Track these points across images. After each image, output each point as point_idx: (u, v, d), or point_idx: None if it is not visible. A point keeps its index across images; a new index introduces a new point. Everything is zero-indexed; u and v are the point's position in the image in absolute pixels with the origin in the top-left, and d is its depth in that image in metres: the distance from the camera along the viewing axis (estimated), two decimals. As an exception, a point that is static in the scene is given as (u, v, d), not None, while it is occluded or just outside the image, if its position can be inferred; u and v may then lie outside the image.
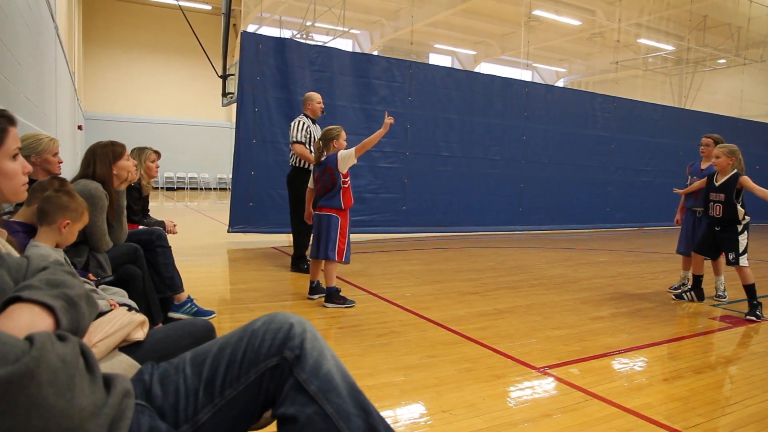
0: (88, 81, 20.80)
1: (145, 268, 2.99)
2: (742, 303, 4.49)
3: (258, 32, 9.13)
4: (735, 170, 4.35)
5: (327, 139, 4.15)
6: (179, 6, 11.37)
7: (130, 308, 1.72)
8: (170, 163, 20.92)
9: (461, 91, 8.94)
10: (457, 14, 18.58)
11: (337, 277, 4.42)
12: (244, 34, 7.37)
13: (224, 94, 14.13)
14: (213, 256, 6.37)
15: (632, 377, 2.87)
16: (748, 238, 4.37)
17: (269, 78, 7.17)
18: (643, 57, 20.26)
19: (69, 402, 0.68)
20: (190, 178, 22.97)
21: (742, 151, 4.42)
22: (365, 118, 7.90)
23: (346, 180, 4.10)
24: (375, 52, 20.57)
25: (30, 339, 0.69)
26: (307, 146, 5.17)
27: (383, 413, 1.17)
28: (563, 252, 7.68)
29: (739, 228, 4.33)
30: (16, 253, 1.28)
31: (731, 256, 4.32)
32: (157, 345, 1.46)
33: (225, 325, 3.47)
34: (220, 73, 13.12)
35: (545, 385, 2.70)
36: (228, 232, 7.18)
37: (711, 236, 4.50)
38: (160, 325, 2.61)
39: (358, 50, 20.41)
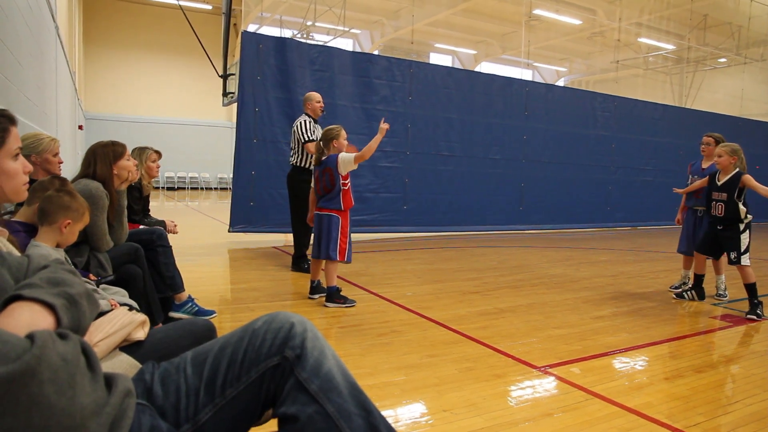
0: (88, 81, 20.81)
1: (146, 267, 2.99)
2: (742, 302, 4.48)
3: (258, 32, 9.12)
4: (737, 169, 4.35)
5: (327, 139, 4.14)
6: (180, 6, 11.38)
7: (131, 308, 1.73)
8: (171, 162, 20.91)
9: (462, 90, 8.94)
10: (458, 14, 18.57)
11: (338, 277, 4.42)
12: (245, 33, 7.37)
13: (225, 94, 14.13)
14: (214, 256, 6.37)
15: (633, 376, 2.87)
16: (750, 237, 4.36)
17: (270, 78, 7.17)
18: (644, 56, 20.26)
19: (70, 400, 0.68)
20: (191, 177, 22.97)
21: (743, 151, 4.41)
22: (366, 118, 7.90)
23: (346, 182, 4.10)
24: (375, 52, 20.55)
25: (31, 337, 0.69)
26: None
27: (384, 412, 1.17)
28: (564, 251, 7.68)
29: (741, 227, 4.33)
30: (17, 253, 1.28)
31: (733, 255, 4.32)
32: (158, 344, 1.46)
33: (226, 325, 3.47)
34: (220, 73, 13.12)
35: (546, 385, 2.70)
36: (229, 231, 7.18)
37: (713, 235, 4.50)
38: (161, 324, 2.62)
39: (358, 50, 20.39)
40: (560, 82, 25.95)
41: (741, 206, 4.30)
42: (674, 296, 4.84)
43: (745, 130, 12.51)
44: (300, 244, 5.40)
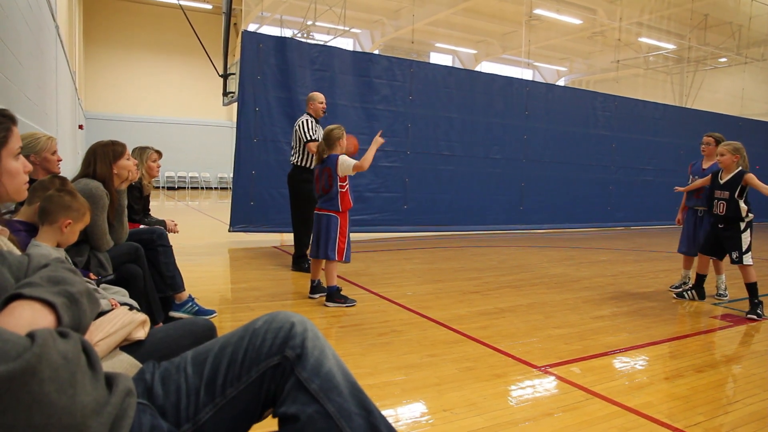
0: (88, 80, 20.82)
1: (146, 267, 2.99)
2: (743, 302, 4.48)
3: (259, 31, 9.12)
4: (740, 168, 4.34)
5: (333, 139, 4.11)
6: (180, 5, 11.38)
7: (131, 307, 1.73)
8: (171, 162, 20.91)
9: (462, 90, 8.94)
10: (458, 13, 18.56)
11: (338, 276, 4.42)
12: (245, 33, 7.37)
13: (225, 94, 14.14)
14: (214, 256, 6.37)
15: (633, 376, 2.87)
16: (751, 237, 4.36)
17: (270, 77, 7.17)
18: (644, 56, 20.24)
19: (71, 399, 0.68)
20: (191, 177, 22.97)
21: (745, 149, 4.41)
22: (366, 118, 7.90)
23: (344, 184, 4.09)
24: (376, 51, 20.55)
25: (31, 336, 0.69)
26: None
27: (384, 412, 1.17)
28: (564, 251, 7.68)
29: (742, 226, 4.33)
30: (17, 252, 1.28)
31: (735, 255, 4.31)
32: (158, 344, 1.46)
33: (226, 325, 3.47)
34: (220, 73, 13.13)
35: (546, 384, 2.70)
36: (229, 231, 7.18)
37: (715, 236, 4.49)
38: (161, 324, 2.62)
39: (359, 49, 20.40)
40: (561, 82, 25.94)
41: (742, 204, 4.30)
42: (674, 296, 4.84)
43: (745, 129, 12.51)
44: (301, 243, 5.40)
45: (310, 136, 5.18)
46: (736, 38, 18.14)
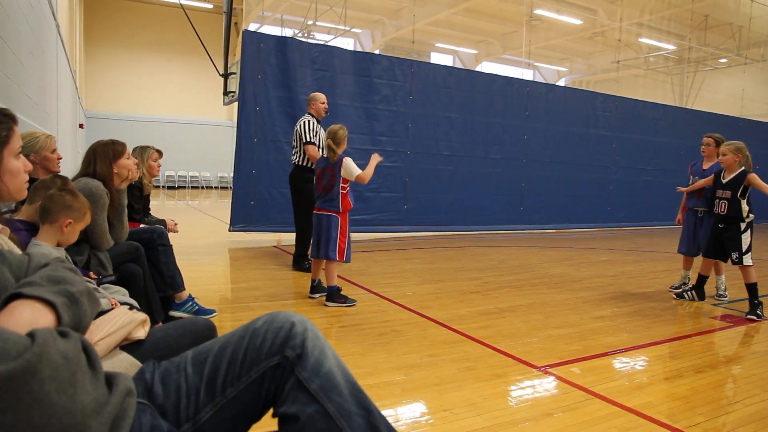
0: (89, 79, 20.82)
1: (146, 266, 2.99)
2: (743, 302, 4.48)
3: (259, 31, 9.11)
4: (742, 167, 4.34)
5: (340, 138, 4.11)
6: (180, 4, 11.38)
7: (131, 307, 1.72)
8: (171, 161, 20.91)
9: (462, 90, 8.94)
10: (459, 13, 18.56)
11: (339, 276, 4.42)
12: (246, 32, 7.37)
13: (225, 93, 14.11)
14: (214, 255, 6.37)
15: (633, 376, 2.87)
16: (751, 237, 4.36)
17: (270, 77, 7.17)
18: (645, 56, 20.24)
19: (71, 398, 0.68)
20: (191, 176, 22.97)
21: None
22: (366, 117, 7.90)
23: (345, 186, 4.10)
24: (376, 51, 20.55)
25: (31, 335, 0.69)
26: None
27: (384, 412, 1.17)
28: (564, 251, 7.67)
29: (743, 226, 4.33)
30: (18, 251, 1.28)
31: (735, 256, 4.31)
32: (158, 344, 1.46)
33: (226, 324, 3.47)
34: (221, 72, 13.11)
35: (546, 384, 2.70)
36: (229, 230, 7.19)
37: (716, 237, 4.48)
38: (161, 323, 2.62)
39: (359, 49, 20.41)
40: (561, 82, 25.94)
41: (744, 204, 4.30)
42: (674, 296, 4.84)
43: (745, 130, 12.50)
44: (302, 242, 5.40)
45: (309, 138, 5.17)
46: (736, 39, 18.15)
